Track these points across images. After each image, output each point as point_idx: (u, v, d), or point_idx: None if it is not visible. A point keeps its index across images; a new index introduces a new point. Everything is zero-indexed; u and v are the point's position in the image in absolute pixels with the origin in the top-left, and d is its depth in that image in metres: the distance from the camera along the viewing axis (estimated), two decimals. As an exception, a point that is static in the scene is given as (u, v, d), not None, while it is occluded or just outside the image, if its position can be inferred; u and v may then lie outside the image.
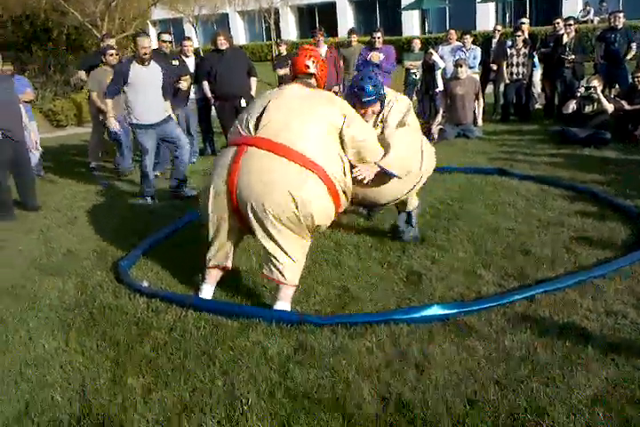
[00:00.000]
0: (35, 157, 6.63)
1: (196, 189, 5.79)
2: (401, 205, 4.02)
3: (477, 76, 8.92)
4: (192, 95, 7.47)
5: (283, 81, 7.71)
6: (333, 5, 28.04)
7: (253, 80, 7.35)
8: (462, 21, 21.14)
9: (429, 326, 2.96)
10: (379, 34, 8.51)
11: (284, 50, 9.77)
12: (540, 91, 9.73)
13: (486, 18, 23.52)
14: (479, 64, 9.21)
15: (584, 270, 3.49)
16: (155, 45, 7.37)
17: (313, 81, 3.56)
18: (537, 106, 9.70)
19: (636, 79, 7.29)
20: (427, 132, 7.92)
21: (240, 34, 30.93)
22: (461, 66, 8.12)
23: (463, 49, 9.05)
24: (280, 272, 3.19)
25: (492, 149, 7.17)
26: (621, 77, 8.35)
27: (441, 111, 8.33)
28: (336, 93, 7.72)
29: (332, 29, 24.58)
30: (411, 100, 9.85)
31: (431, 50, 9.14)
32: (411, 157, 3.68)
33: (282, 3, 26.95)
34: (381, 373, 2.63)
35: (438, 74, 9.10)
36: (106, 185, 6.69)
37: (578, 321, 2.95)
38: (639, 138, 6.88)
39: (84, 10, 16.67)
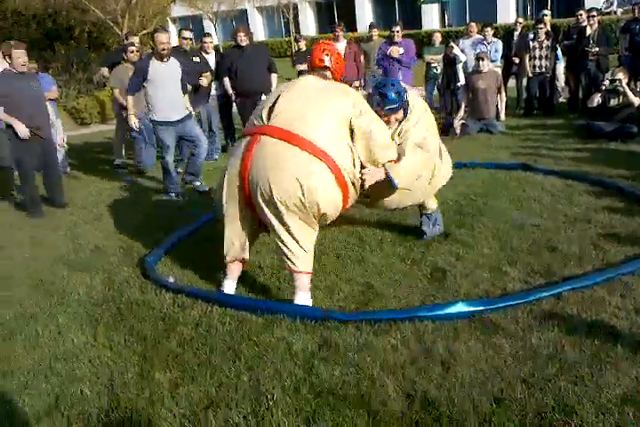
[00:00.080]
0: (60, 154, 6.73)
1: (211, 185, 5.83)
2: (419, 207, 4.03)
3: (499, 70, 8.82)
4: (213, 92, 7.50)
5: (303, 77, 7.71)
6: (352, 0, 27.90)
7: (274, 76, 7.36)
8: (483, 14, 20.86)
9: (454, 324, 2.95)
10: (398, 28, 8.47)
11: (303, 45, 9.74)
12: (563, 84, 9.59)
13: (507, 10, 23.20)
14: (501, 57, 9.10)
15: (612, 267, 3.44)
16: (175, 42, 7.42)
17: (328, 74, 3.56)
18: (561, 99, 9.56)
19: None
20: (448, 126, 7.88)
21: (259, 30, 30.95)
22: (483, 59, 8.03)
23: (484, 42, 8.95)
24: (292, 261, 3.24)
25: (515, 144, 7.09)
26: (647, 69, 8.19)
27: (463, 106, 8.26)
28: (357, 88, 7.71)
29: (350, 24, 24.48)
30: (432, 94, 9.88)
31: (452, 43, 9.05)
32: (419, 174, 3.61)
33: (300, -2, 26.94)
34: (406, 370, 2.62)
35: (459, 68, 9.02)
36: (130, 182, 6.77)
37: (606, 319, 2.90)
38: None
39: (105, 7, 16.87)
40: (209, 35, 7.96)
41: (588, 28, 8.35)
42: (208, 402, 2.51)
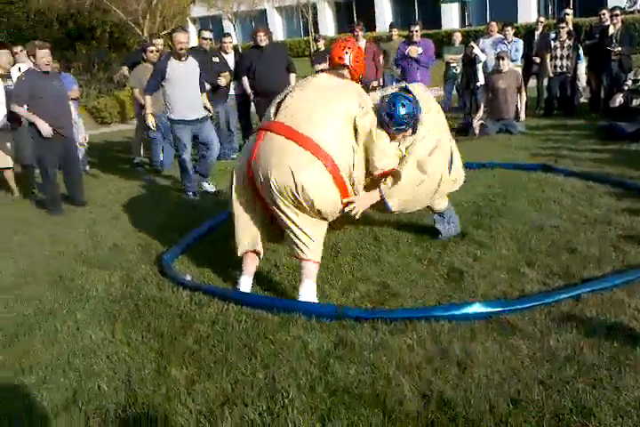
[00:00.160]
0: (80, 152, 6.81)
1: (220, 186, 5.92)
2: (428, 207, 3.96)
3: (520, 70, 8.73)
4: (231, 92, 7.54)
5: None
6: (371, -1, 27.87)
7: (292, 76, 7.38)
8: (503, 13, 20.69)
9: (471, 324, 2.93)
10: (417, 27, 8.44)
11: (322, 45, 9.75)
12: (585, 84, 9.47)
13: (528, 9, 23.00)
14: (521, 57, 9.02)
15: (632, 269, 3.38)
16: (195, 43, 7.47)
17: (346, 72, 3.53)
18: (582, 100, 9.45)
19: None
20: (467, 127, 7.84)
21: (278, 30, 31.04)
22: (503, 59, 7.96)
23: (505, 41, 8.89)
24: (300, 249, 3.29)
25: (534, 145, 7.01)
26: (671, 69, 8.05)
27: (482, 106, 8.19)
28: (375, 88, 7.69)
29: (369, 24, 24.41)
30: (450, 94, 9.83)
31: (472, 43, 9.00)
32: (416, 193, 3.56)
33: (319, -2, 26.97)
34: (422, 370, 2.61)
35: (479, 67, 8.95)
36: (148, 180, 6.83)
37: (626, 321, 2.86)
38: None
39: (127, 8, 17.05)
40: (228, 35, 8.01)
41: (611, 27, 8.24)
42: (224, 399, 2.52)
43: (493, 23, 9.32)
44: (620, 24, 8.27)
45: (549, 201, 4.82)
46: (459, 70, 9.36)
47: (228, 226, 4.69)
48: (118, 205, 5.86)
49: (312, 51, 13.32)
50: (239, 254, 3.53)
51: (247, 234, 3.47)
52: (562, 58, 8.61)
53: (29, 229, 5.29)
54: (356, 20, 25.60)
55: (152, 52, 7.11)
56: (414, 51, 8.30)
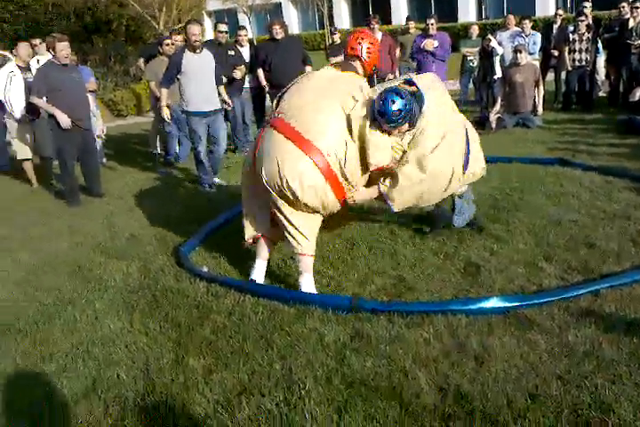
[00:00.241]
0: (97, 144, 6.87)
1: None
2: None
3: (537, 63, 8.63)
4: (246, 85, 7.53)
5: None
6: (387, -8, 27.65)
7: (308, 69, 7.34)
8: (521, 6, 20.46)
9: (488, 319, 2.92)
10: (432, 20, 8.39)
11: (337, 38, 9.71)
12: (603, 78, 9.34)
13: (546, 2, 22.67)
14: (539, 50, 8.92)
15: (652, 265, 3.35)
16: (211, 36, 7.46)
17: (358, 64, 3.50)
18: (600, 94, 9.32)
19: None
20: (484, 120, 7.77)
21: (293, 23, 30.93)
22: (521, 52, 7.86)
23: (522, 35, 8.79)
24: (295, 242, 3.35)
25: (552, 139, 6.94)
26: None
27: (499, 99, 8.10)
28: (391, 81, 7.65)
29: (385, 17, 24.25)
30: (467, 87, 9.74)
31: (489, 36, 8.90)
32: (423, 192, 3.41)
33: (335, -10, 26.83)
34: (439, 363, 2.61)
35: (496, 60, 8.86)
36: (164, 173, 6.86)
37: (645, 317, 2.84)
38: None
39: (143, 1, 17.11)
40: (243, 28, 7.99)
41: (631, 20, 8.10)
42: (241, 389, 2.55)
43: (511, 16, 9.22)
44: (640, 17, 8.14)
45: (567, 195, 4.77)
46: (476, 63, 9.27)
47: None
48: (135, 196, 5.91)
49: (327, 44, 13.27)
50: (246, 239, 3.60)
51: (253, 219, 3.55)
52: (580, 51, 8.49)
53: (48, 220, 5.35)
54: (371, 13, 25.43)
55: (168, 45, 7.12)
56: (430, 44, 8.25)
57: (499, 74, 8.72)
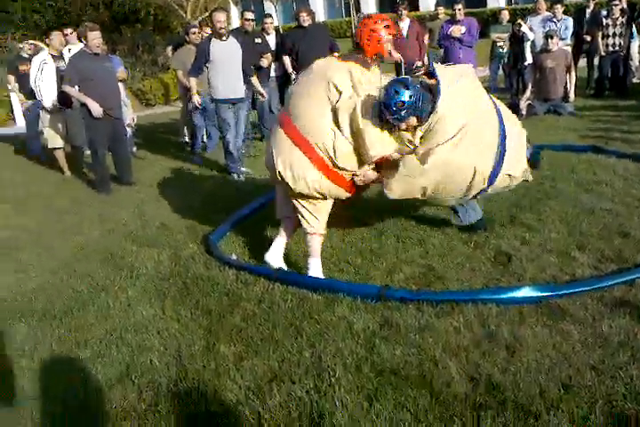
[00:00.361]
0: (128, 133, 6.94)
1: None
2: None
3: (569, 49, 8.44)
4: (272, 73, 7.52)
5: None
6: (414, -22, 27.17)
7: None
8: (552, -10, 19.91)
9: (520, 308, 2.88)
10: (459, 6, 8.27)
11: (364, 25, 9.62)
12: (638, 63, 9.09)
13: (578, -14, 22.06)
14: (571, 35, 8.70)
15: (690, 255, 3.27)
16: (238, 24, 7.44)
17: (361, 52, 3.39)
18: (635, 80, 9.08)
19: None
20: (514, 107, 7.62)
21: (319, 10, 30.60)
22: (552, 37, 7.68)
23: (554, 19, 8.58)
24: (305, 221, 3.50)
25: (584, 126, 6.79)
26: None
27: (530, 86, 7.95)
28: (419, 68, 7.56)
29: (413, 3, 23.86)
30: (496, 74, 9.57)
31: (520, 21, 8.72)
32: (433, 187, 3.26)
33: (362, -23, 26.47)
34: (470, 353, 2.59)
35: (527, 46, 8.69)
36: (199, 161, 6.86)
37: (683, 308, 2.78)
38: None
39: (170, -10, 17.13)
40: (270, 16, 7.95)
41: (669, 2, 7.86)
42: (271, 376, 2.57)
43: (542, 1, 8.99)
44: (678, -1, 7.88)
45: (601, 184, 4.67)
46: (505, 49, 9.11)
47: (272, 207, 4.76)
48: (164, 185, 5.97)
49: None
50: (277, 217, 3.79)
51: (283, 202, 3.68)
52: (614, 36, 8.27)
53: (80, 209, 5.45)
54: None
55: (194, 33, 7.13)
56: (457, 30, 8.12)
57: (529, 60, 8.55)
